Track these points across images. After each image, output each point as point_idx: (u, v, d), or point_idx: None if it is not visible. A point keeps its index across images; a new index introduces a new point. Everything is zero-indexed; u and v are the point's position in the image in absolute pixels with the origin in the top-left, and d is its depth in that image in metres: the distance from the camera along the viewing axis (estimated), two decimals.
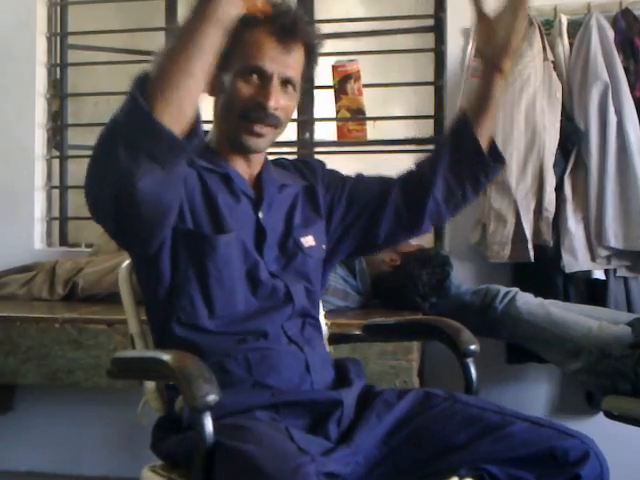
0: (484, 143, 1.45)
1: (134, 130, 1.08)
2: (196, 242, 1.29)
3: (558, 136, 2.43)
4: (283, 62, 1.32)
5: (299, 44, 1.34)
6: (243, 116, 1.32)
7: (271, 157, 1.49)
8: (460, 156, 1.46)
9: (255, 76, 1.31)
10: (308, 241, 1.42)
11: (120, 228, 1.17)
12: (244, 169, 1.39)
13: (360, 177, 1.56)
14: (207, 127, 1.43)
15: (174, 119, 1.08)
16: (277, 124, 1.34)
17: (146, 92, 1.07)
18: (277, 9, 1.31)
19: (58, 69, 3.04)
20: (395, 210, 1.48)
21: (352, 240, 1.50)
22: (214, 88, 1.34)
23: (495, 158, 1.47)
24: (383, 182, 1.52)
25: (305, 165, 1.53)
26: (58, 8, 3.04)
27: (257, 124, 1.32)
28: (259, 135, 1.33)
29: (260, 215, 1.37)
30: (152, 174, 1.08)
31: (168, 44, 1.12)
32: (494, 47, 1.40)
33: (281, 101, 1.32)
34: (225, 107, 1.34)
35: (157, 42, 3.02)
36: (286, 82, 1.33)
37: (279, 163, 1.52)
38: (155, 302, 1.31)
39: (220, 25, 1.10)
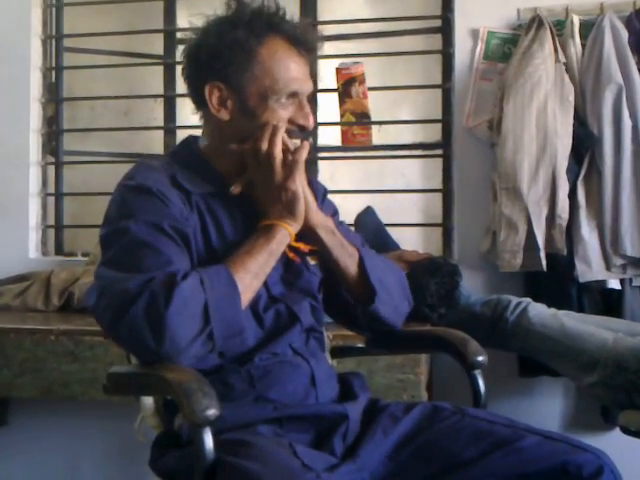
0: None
1: (216, 317, 1.19)
2: None
3: (571, 140, 2.44)
4: (306, 77, 1.37)
5: (310, 53, 1.38)
6: None
7: None
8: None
9: (286, 99, 1.33)
10: (313, 259, 1.43)
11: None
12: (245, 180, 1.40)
13: (341, 230, 1.53)
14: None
15: None
16: (305, 139, 1.39)
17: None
18: (285, 19, 1.35)
19: (53, 72, 3.06)
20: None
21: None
22: (228, 110, 1.34)
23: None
24: None
25: (309, 183, 1.54)
26: (53, 10, 3.06)
27: (292, 142, 1.35)
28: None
29: None
30: (201, 350, 1.20)
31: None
32: None
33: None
34: (251, 129, 1.33)
35: (155, 45, 3.05)
36: (309, 97, 1.39)
37: None
38: None
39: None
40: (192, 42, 1.37)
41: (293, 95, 1.34)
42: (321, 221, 1.39)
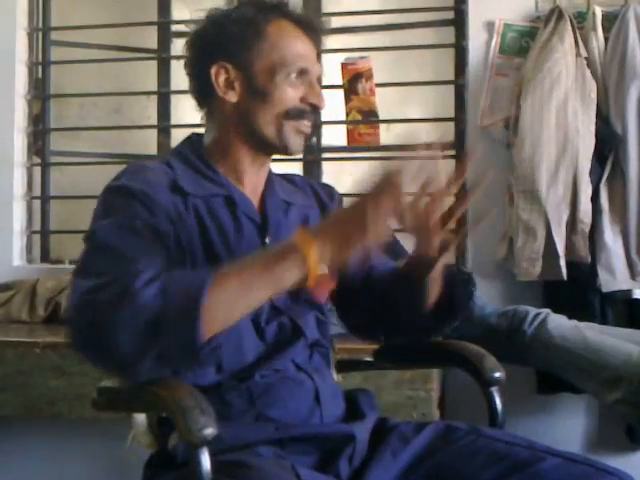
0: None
1: (166, 334, 1.10)
2: None
3: (593, 140, 2.44)
4: (315, 60, 1.40)
5: (317, 38, 1.41)
6: (292, 116, 1.35)
7: (272, 165, 1.49)
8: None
9: (295, 77, 1.35)
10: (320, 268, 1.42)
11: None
12: (250, 182, 1.40)
13: None
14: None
15: (210, 334, 1.13)
16: (316, 122, 1.39)
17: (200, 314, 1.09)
18: (290, 5, 1.38)
19: (40, 67, 3.07)
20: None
21: None
22: (235, 91, 1.35)
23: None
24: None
25: (325, 189, 1.54)
26: (40, 1, 3.07)
27: (304, 123, 1.36)
28: (305, 134, 1.38)
29: (267, 241, 1.37)
30: (153, 369, 1.13)
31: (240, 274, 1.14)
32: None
33: None
34: (262, 110, 1.35)
35: (148, 38, 3.06)
36: (319, 79, 1.40)
37: (289, 178, 1.52)
38: None
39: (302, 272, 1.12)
40: (196, 29, 1.40)
41: (302, 73, 1.36)
42: None
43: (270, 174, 1.46)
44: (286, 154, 1.39)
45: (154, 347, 1.10)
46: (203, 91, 1.40)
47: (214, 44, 1.36)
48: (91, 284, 1.15)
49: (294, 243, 1.13)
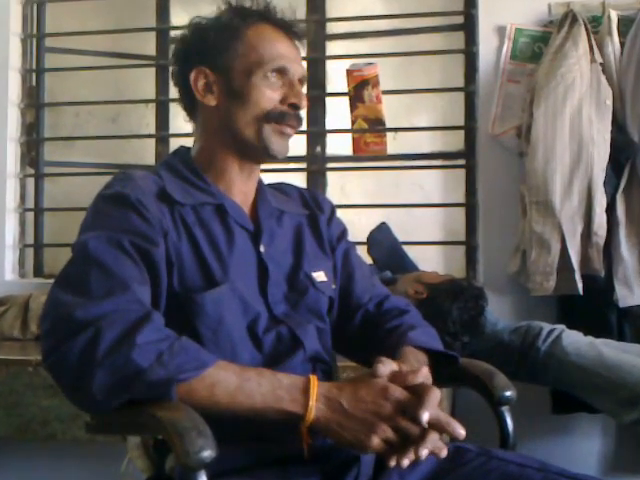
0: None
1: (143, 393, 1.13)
2: (183, 303, 1.29)
3: (609, 149, 2.44)
4: (296, 59, 1.42)
5: (300, 39, 1.44)
6: (273, 118, 1.36)
7: (274, 175, 1.51)
8: None
9: (274, 78, 1.37)
10: (320, 276, 1.44)
11: None
12: (240, 191, 1.42)
13: (350, 258, 1.56)
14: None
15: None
16: (300, 125, 1.41)
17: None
18: (273, 9, 1.41)
19: (34, 75, 3.09)
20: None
21: None
22: (214, 95, 1.38)
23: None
24: (360, 289, 1.53)
25: (312, 197, 1.56)
26: (34, 6, 3.10)
27: (286, 126, 1.38)
28: (288, 137, 1.40)
29: (261, 249, 1.39)
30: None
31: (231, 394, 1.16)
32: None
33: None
34: (241, 113, 1.37)
35: (146, 45, 3.07)
36: (301, 80, 1.42)
37: (278, 187, 1.55)
38: None
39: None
40: (178, 37, 1.45)
41: (282, 72, 1.38)
42: None
43: (260, 183, 1.47)
44: (269, 157, 1.40)
45: (128, 395, 1.12)
46: (187, 99, 1.43)
47: (193, 50, 1.40)
48: (70, 299, 1.16)
49: (296, 410, 1.16)
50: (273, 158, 1.40)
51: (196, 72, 1.38)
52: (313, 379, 1.18)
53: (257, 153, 1.40)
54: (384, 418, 1.15)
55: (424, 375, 1.23)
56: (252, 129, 1.37)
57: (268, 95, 1.37)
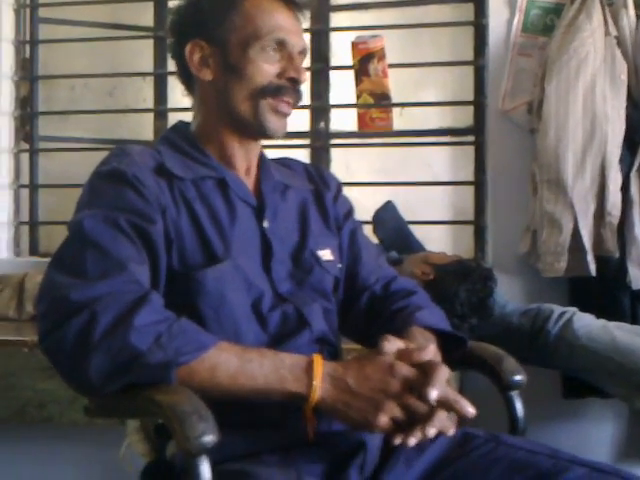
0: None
1: (142, 376, 1.13)
2: (183, 281, 1.29)
3: (624, 126, 2.43)
4: (296, 31, 1.40)
5: (299, 11, 1.42)
6: (269, 93, 1.35)
7: (277, 151, 1.50)
8: None
9: (273, 51, 1.36)
10: (325, 254, 1.43)
11: None
12: (241, 166, 1.41)
13: (357, 238, 1.56)
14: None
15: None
16: (299, 101, 1.40)
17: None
18: None
19: (27, 47, 3.07)
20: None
21: None
22: (210, 69, 1.37)
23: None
24: (367, 269, 1.53)
25: (317, 172, 1.55)
26: None
27: (283, 102, 1.37)
28: (285, 115, 1.38)
29: (265, 225, 1.38)
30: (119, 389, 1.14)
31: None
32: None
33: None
34: (237, 88, 1.36)
35: (144, 15, 3.05)
36: (301, 54, 1.40)
37: (283, 162, 1.55)
38: None
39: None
40: (173, 10, 1.44)
41: (281, 45, 1.37)
42: None
43: (263, 157, 1.47)
44: (265, 136, 1.40)
45: (127, 379, 1.12)
46: (184, 73, 1.43)
47: (189, 22, 1.39)
48: (66, 281, 1.16)
49: (302, 386, 1.16)
50: (269, 137, 1.40)
51: (192, 45, 1.37)
52: (317, 358, 1.18)
53: (253, 131, 1.39)
54: (391, 396, 1.15)
55: (431, 352, 1.23)
56: (248, 105, 1.36)
57: (265, 69, 1.35)
